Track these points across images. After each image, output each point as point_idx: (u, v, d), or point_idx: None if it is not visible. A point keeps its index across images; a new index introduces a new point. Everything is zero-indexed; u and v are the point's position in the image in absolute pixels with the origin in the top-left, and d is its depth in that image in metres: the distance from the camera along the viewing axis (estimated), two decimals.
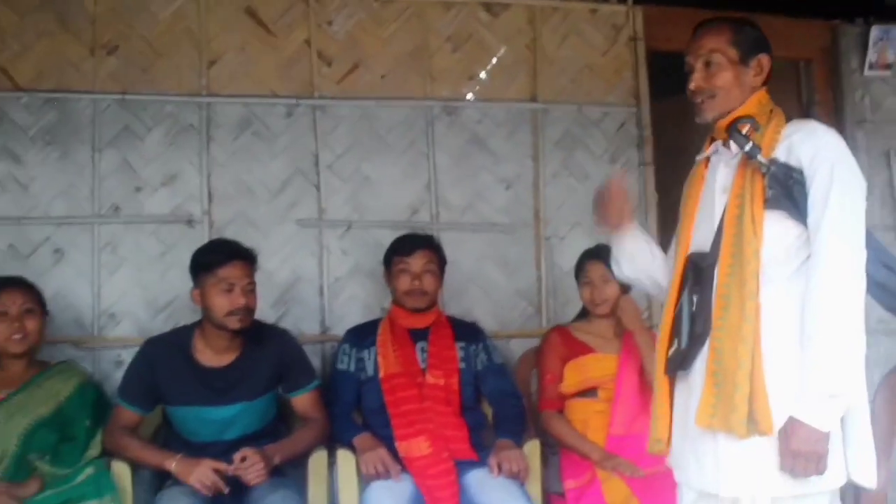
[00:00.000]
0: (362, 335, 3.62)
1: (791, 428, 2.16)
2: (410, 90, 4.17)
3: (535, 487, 3.37)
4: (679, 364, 2.38)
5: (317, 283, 4.02)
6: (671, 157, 4.06)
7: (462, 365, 3.58)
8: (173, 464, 3.15)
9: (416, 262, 3.57)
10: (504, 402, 3.60)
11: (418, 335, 3.60)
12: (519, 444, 3.40)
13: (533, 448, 3.43)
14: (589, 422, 3.49)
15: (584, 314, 3.72)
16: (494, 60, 4.26)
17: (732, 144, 2.35)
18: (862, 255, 2.18)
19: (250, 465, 3.12)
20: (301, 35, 4.12)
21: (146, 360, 3.36)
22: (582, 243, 3.90)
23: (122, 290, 3.90)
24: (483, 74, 4.24)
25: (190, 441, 3.33)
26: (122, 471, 3.19)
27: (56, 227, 3.88)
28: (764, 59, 2.43)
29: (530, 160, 4.22)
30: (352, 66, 4.14)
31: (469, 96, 4.23)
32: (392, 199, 4.11)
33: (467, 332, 3.69)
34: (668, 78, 4.20)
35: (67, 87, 3.94)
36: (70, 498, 3.05)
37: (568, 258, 3.96)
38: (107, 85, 3.96)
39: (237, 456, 3.15)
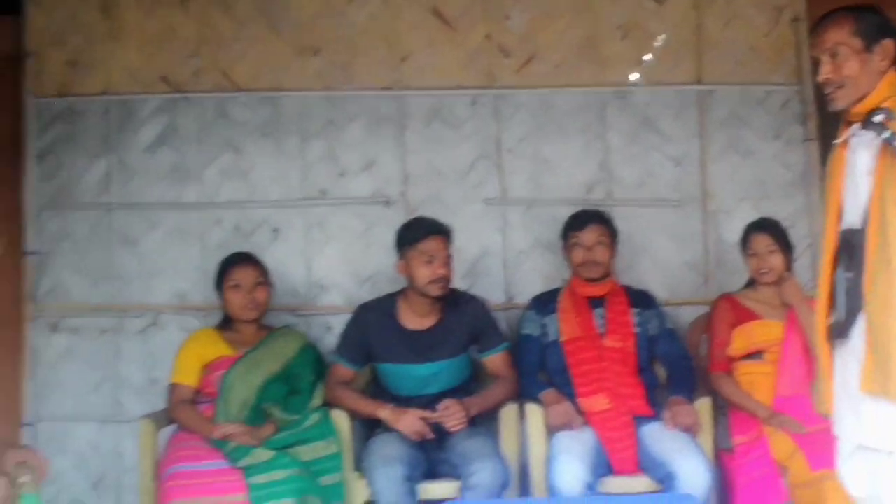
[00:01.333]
0: (545, 302, 3.98)
1: None
2: (583, 77, 4.48)
3: (706, 442, 3.64)
4: (838, 333, 2.53)
5: (501, 256, 4.42)
6: (834, 133, 4.23)
7: (637, 329, 3.89)
8: (385, 412, 3.63)
9: (588, 235, 3.89)
10: (676, 364, 3.90)
11: (596, 303, 3.92)
12: (690, 401, 3.70)
13: (704, 405, 3.71)
14: (755, 383, 3.74)
15: (750, 283, 3.95)
16: (659, 43, 4.51)
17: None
18: None
19: (452, 414, 3.57)
20: (482, 30, 4.49)
21: (359, 323, 3.85)
22: (747, 216, 4.12)
23: (330, 263, 4.42)
24: (649, 57, 4.50)
25: (395, 395, 3.80)
26: (341, 418, 3.70)
27: (273, 210, 4.43)
28: (888, 43, 2.50)
29: (697, 139, 4.46)
30: (528, 57, 4.49)
31: (634, 76, 4.51)
32: (569, 178, 4.44)
33: (641, 299, 3.99)
34: None
35: (279, 86, 4.47)
36: (300, 439, 3.58)
37: (734, 231, 4.19)
38: (312, 83, 4.47)
39: (441, 405, 3.60)
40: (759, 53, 4.56)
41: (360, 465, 3.61)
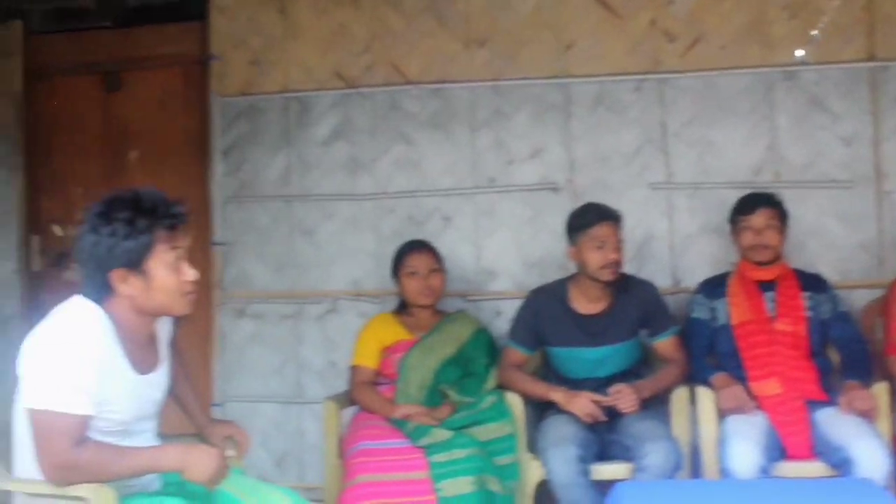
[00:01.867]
0: (714, 286, 3.99)
1: None
2: (749, 59, 4.43)
3: (884, 427, 3.57)
4: None
5: (667, 240, 4.45)
6: None
7: (809, 313, 3.84)
8: (558, 394, 3.74)
9: (758, 219, 3.87)
10: (850, 348, 3.85)
11: (766, 286, 3.90)
12: (867, 386, 3.64)
13: (880, 390, 3.64)
14: None
15: None
16: (827, 20, 4.43)
17: None
18: None
19: (623, 397, 3.65)
20: (646, 16, 4.51)
21: (531, 308, 3.97)
22: None
23: (499, 250, 4.55)
24: (815, 32, 4.41)
25: (567, 377, 3.90)
26: (515, 400, 3.83)
27: (443, 198, 4.59)
28: None
29: (869, 117, 4.35)
30: (693, 41, 4.48)
31: (799, 53, 4.44)
32: (735, 160, 4.42)
33: (812, 282, 3.95)
34: None
35: (447, 77, 4.62)
36: (476, 420, 3.73)
37: None
38: (480, 74, 4.60)
39: (612, 389, 3.69)
40: None
41: (532, 447, 3.74)
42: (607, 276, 3.79)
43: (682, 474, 3.58)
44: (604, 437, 3.72)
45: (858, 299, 4.21)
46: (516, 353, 3.96)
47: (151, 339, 2.56)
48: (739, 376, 3.76)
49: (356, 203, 4.64)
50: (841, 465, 3.37)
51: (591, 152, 4.51)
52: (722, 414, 3.67)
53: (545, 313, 3.93)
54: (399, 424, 3.72)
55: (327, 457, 3.87)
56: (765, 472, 3.40)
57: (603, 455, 3.69)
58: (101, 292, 2.40)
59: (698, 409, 3.73)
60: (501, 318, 4.40)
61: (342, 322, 4.54)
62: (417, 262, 4.03)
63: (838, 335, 3.88)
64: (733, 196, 4.08)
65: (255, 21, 4.77)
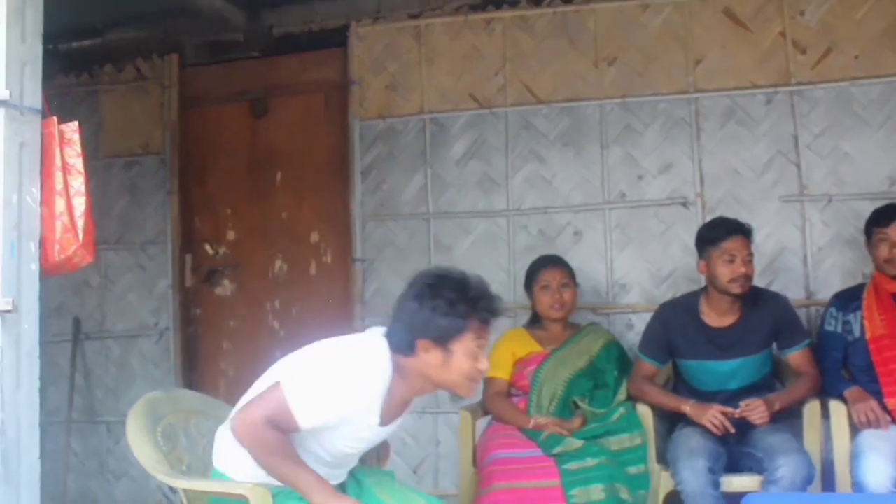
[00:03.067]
0: (848, 299, 3.95)
1: None
2: (885, 67, 4.38)
3: None
4: None
5: (800, 252, 4.44)
6: None
7: None
8: (688, 407, 3.79)
9: (894, 231, 3.81)
10: None
11: None
12: None
13: None
14: None
15: None
16: None
17: None
18: None
19: (754, 409, 3.67)
20: (776, 28, 4.52)
21: (662, 321, 4.03)
22: None
23: (630, 264, 4.63)
24: None
25: (697, 389, 3.94)
26: (645, 412, 3.90)
27: (574, 213, 4.71)
28: None
29: None
30: (825, 51, 4.47)
31: None
32: (871, 171, 4.37)
33: None
34: None
35: (577, 96, 4.74)
36: (608, 431, 3.82)
37: None
38: (609, 91, 4.70)
39: (743, 403, 3.72)
40: None
41: (662, 458, 3.80)
42: (737, 289, 3.82)
43: (813, 488, 3.57)
44: (734, 450, 3.75)
45: None
46: (648, 366, 4.04)
47: (406, 404, 2.73)
48: (874, 391, 3.73)
49: (490, 219, 4.80)
50: None
51: (721, 166, 4.55)
52: (855, 428, 3.65)
53: (676, 326, 3.99)
54: (532, 435, 3.83)
55: (463, 465, 4.02)
56: None
57: (733, 467, 3.71)
58: (402, 350, 2.58)
59: (831, 422, 3.71)
60: (633, 330, 4.48)
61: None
62: (550, 276, 4.14)
63: None
64: (868, 207, 4.05)
65: (393, 47, 5.00)
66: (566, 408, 3.98)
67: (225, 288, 5.35)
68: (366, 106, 5.03)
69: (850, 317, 3.90)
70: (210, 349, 5.34)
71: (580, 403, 3.97)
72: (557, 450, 3.70)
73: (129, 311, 5.38)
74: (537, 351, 4.12)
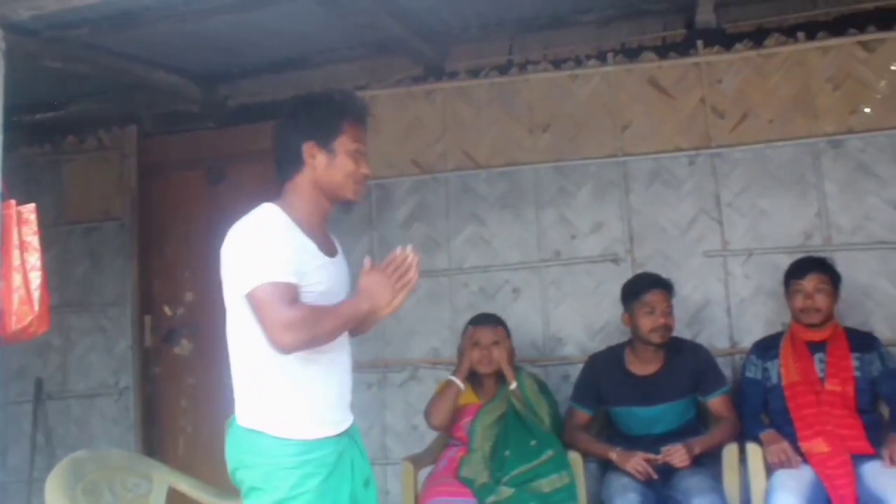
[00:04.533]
0: (766, 347, 4.21)
1: None
2: (796, 130, 4.71)
3: None
4: None
5: (724, 304, 4.71)
6: None
7: (857, 374, 4.01)
8: (614, 454, 4.03)
9: (808, 283, 4.08)
10: None
11: (816, 347, 4.09)
12: None
13: None
14: None
15: None
16: (875, 93, 4.67)
17: None
18: None
19: (675, 453, 3.92)
20: (696, 95, 4.85)
21: (591, 372, 4.30)
22: None
23: (566, 318, 4.90)
24: (868, 110, 4.66)
25: (625, 434, 4.19)
26: (575, 458, 4.12)
27: (513, 272, 4.98)
28: None
29: None
30: (742, 116, 4.79)
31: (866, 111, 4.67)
32: (787, 227, 4.67)
33: (862, 342, 4.11)
34: None
35: (514, 161, 5.03)
36: (538, 474, 4.02)
37: None
38: (544, 156, 5.00)
39: (664, 449, 3.96)
40: None
41: (593, 499, 4.03)
42: (658, 339, 4.10)
43: None
44: (660, 492, 3.98)
45: None
46: (580, 414, 4.29)
47: (325, 233, 2.85)
48: (789, 433, 3.97)
49: (433, 279, 5.05)
50: None
51: (649, 224, 4.83)
52: (770, 469, 3.89)
53: (604, 375, 4.25)
54: (467, 483, 4.04)
55: None
56: None
57: None
58: (293, 166, 2.73)
59: (748, 464, 3.95)
60: (568, 381, 4.72)
61: (422, 389, 4.92)
62: (480, 334, 4.35)
63: (888, 391, 4.04)
64: (785, 260, 4.35)
65: None
66: (500, 455, 4.18)
67: (183, 347, 5.56)
68: None
69: (769, 364, 4.16)
70: (169, 407, 5.53)
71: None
72: (491, 499, 3.91)
73: (90, 371, 5.57)
74: (473, 402, 4.34)
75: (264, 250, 2.59)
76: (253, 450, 2.63)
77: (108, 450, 4.13)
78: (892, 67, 4.67)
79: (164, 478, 3.89)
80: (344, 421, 2.77)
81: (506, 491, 3.93)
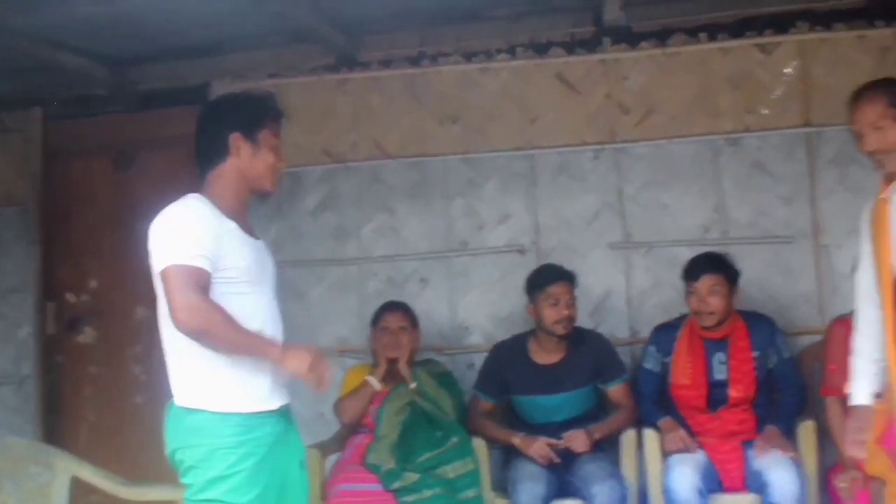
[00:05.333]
0: (665, 340, 4.28)
1: None
2: (697, 128, 4.87)
3: (810, 461, 3.94)
4: None
5: (625, 295, 4.86)
6: None
7: (758, 373, 4.14)
8: (517, 439, 4.13)
9: (702, 285, 4.12)
10: (787, 391, 4.19)
11: (715, 346, 4.17)
12: (791, 427, 4.02)
13: (808, 427, 4.01)
14: None
15: None
16: (773, 97, 4.86)
17: None
18: None
19: (575, 439, 4.03)
20: (602, 91, 4.97)
21: (495, 360, 4.39)
22: (858, 249, 4.39)
23: (472, 307, 4.98)
24: (766, 112, 4.86)
25: (528, 422, 4.30)
26: (480, 444, 4.21)
27: (421, 261, 5.04)
28: None
29: (807, 178, 4.75)
30: (646, 113, 4.93)
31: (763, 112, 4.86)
32: (686, 221, 4.84)
33: (762, 334, 4.19)
34: None
35: (424, 152, 5.09)
36: (443, 460, 4.12)
37: (845, 263, 4.51)
38: (453, 147, 5.07)
39: (565, 434, 4.07)
40: None
41: (497, 485, 4.12)
42: (561, 330, 4.20)
43: None
44: (562, 478, 4.10)
45: (799, 345, 4.56)
46: (483, 403, 4.39)
47: (246, 221, 2.92)
48: (684, 423, 4.12)
49: (342, 267, 5.09)
50: (761, 489, 3.76)
51: (555, 217, 4.94)
52: (666, 454, 4.02)
53: (507, 364, 4.34)
54: (374, 469, 4.10)
55: (312, 499, 4.24)
56: (702, 496, 3.78)
57: (562, 493, 4.07)
58: (218, 156, 2.82)
59: (645, 449, 4.09)
60: (474, 369, 4.79)
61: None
62: (389, 319, 4.44)
63: (781, 381, 4.21)
64: (686, 253, 4.51)
65: None
66: (406, 443, 4.24)
67: (87, 335, 5.48)
68: None
69: (667, 359, 4.26)
70: (71, 396, 5.45)
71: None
72: (396, 484, 3.98)
73: None
74: (380, 389, 4.39)
75: (181, 233, 2.69)
76: (193, 430, 2.71)
77: (8, 438, 4.07)
78: (786, 70, 4.87)
79: (67, 466, 3.88)
80: (281, 398, 2.84)
81: (411, 476, 4.00)
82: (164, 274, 2.67)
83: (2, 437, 4.24)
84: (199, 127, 2.92)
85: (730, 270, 4.22)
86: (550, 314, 4.22)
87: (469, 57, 5.13)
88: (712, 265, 4.20)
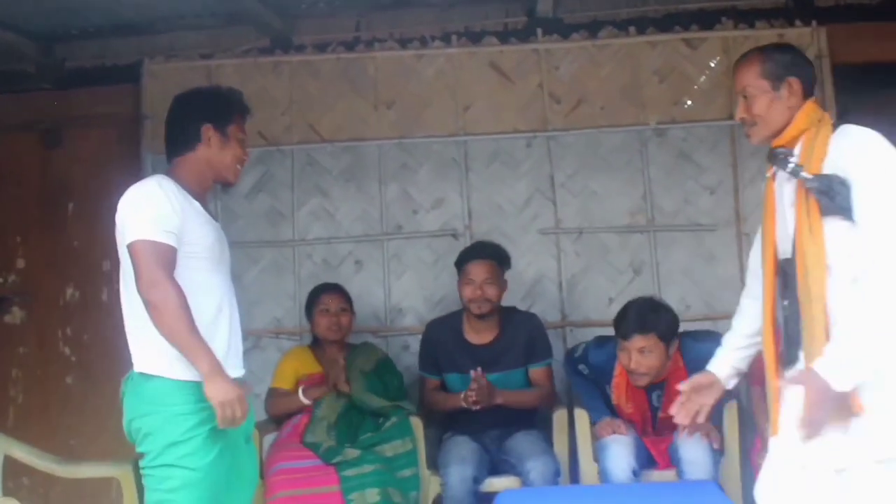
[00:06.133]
0: (601, 370, 4.16)
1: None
2: (626, 118, 5.03)
3: (733, 441, 4.07)
4: (786, 361, 2.66)
5: (556, 279, 4.99)
6: None
7: None
8: (462, 400, 4.18)
9: (633, 345, 3.92)
10: None
11: (654, 386, 4.05)
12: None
13: (731, 408, 4.13)
14: None
15: None
16: (696, 87, 5.06)
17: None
18: None
19: (479, 389, 4.13)
20: (535, 80, 5.09)
21: (428, 339, 4.50)
22: None
23: (406, 290, 5.06)
24: (689, 103, 5.04)
25: None
26: (416, 422, 4.31)
27: (356, 244, 5.10)
28: (793, 81, 2.62)
29: (730, 168, 4.96)
30: (576, 102, 5.07)
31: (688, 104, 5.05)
32: (614, 208, 4.99)
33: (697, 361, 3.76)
34: (852, 88, 4.87)
35: (359, 136, 5.14)
36: (382, 438, 4.20)
37: None
38: (388, 132, 5.13)
39: (475, 375, 4.16)
40: None
41: (432, 463, 4.22)
42: (476, 309, 4.30)
43: (562, 481, 4.09)
44: (494, 456, 4.23)
45: (722, 329, 4.71)
46: (430, 381, 4.49)
47: (206, 206, 3.10)
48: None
49: (277, 249, 5.12)
50: (678, 464, 3.93)
51: (487, 202, 5.05)
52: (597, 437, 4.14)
53: (440, 343, 4.43)
54: (314, 447, 4.16)
55: None
56: (636, 475, 3.93)
57: (495, 471, 4.19)
58: (188, 145, 3.02)
59: (576, 427, 4.22)
60: (408, 351, 4.91)
61: (265, 357, 4.97)
62: (329, 301, 4.51)
63: None
64: (614, 240, 4.77)
65: (185, 85, 5.10)
66: (344, 423, 4.30)
67: (14, 316, 5.41)
68: (158, 140, 5.16)
69: (606, 387, 4.20)
70: None
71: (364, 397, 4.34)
72: (336, 459, 4.05)
73: None
74: (318, 371, 4.46)
75: (151, 209, 2.84)
76: (150, 397, 2.84)
77: None
78: (711, 64, 5.06)
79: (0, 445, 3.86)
80: (236, 370, 2.97)
81: (351, 452, 4.07)
82: (133, 247, 2.81)
83: None
84: (171, 115, 3.12)
85: (662, 327, 3.95)
86: (465, 292, 4.30)
87: (404, 43, 5.20)
88: (641, 324, 3.93)
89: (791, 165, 2.59)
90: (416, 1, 5.13)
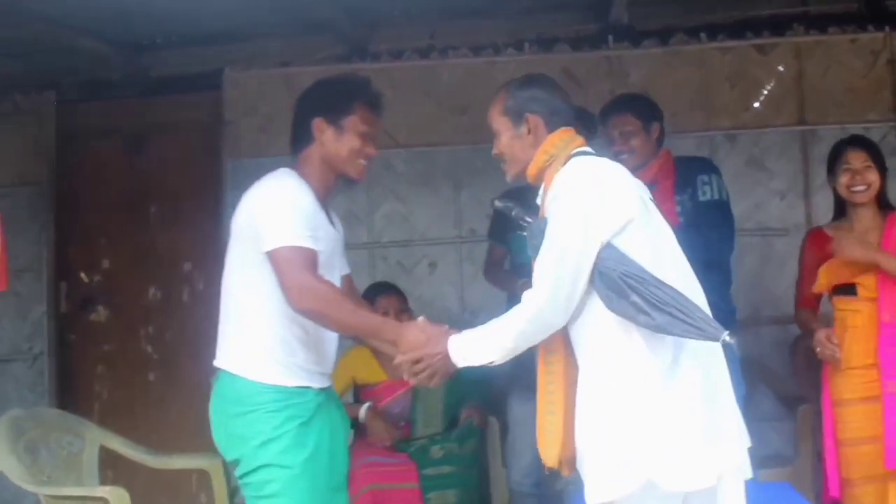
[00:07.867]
0: None
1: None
2: (696, 123, 5.11)
3: (805, 447, 4.21)
4: None
5: None
6: None
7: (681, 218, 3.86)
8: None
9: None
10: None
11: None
12: None
13: (804, 413, 4.23)
14: (847, 319, 3.57)
15: (838, 215, 3.80)
16: (765, 92, 5.11)
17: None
18: (558, 281, 2.43)
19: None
20: (607, 86, 5.13)
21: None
22: None
23: (481, 292, 5.14)
24: (756, 105, 5.10)
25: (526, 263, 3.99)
26: (492, 423, 4.39)
27: (430, 247, 5.23)
28: (531, 117, 2.64)
29: (801, 174, 5.02)
30: None
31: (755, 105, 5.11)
32: None
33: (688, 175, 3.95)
34: None
35: (433, 142, 5.27)
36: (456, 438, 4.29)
37: None
38: (461, 138, 5.24)
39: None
40: (857, 94, 5.08)
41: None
42: None
43: None
44: None
45: (792, 333, 4.77)
46: (496, 250, 4.36)
47: (327, 204, 3.02)
48: None
49: (353, 252, 5.17)
50: None
51: None
52: None
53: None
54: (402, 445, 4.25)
55: None
56: None
57: None
58: (304, 140, 2.93)
59: None
60: None
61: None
62: (387, 303, 4.37)
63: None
64: None
65: (264, 92, 5.41)
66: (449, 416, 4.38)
67: (99, 314, 5.61)
68: (238, 145, 5.40)
69: None
70: (84, 373, 5.57)
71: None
72: (419, 456, 4.15)
73: (3, 336, 5.56)
74: (384, 380, 4.37)
75: (290, 212, 2.77)
76: (238, 397, 2.82)
77: (44, 409, 4.21)
78: (780, 68, 5.11)
79: (96, 437, 4.03)
80: (321, 381, 2.96)
81: (436, 452, 4.17)
82: (275, 254, 2.74)
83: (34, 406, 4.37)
84: (293, 111, 3.03)
85: (637, 106, 3.94)
86: None
87: (477, 51, 5.31)
88: (617, 106, 3.98)
89: (514, 212, 2.77)
90: (489, 9, 5.23)
